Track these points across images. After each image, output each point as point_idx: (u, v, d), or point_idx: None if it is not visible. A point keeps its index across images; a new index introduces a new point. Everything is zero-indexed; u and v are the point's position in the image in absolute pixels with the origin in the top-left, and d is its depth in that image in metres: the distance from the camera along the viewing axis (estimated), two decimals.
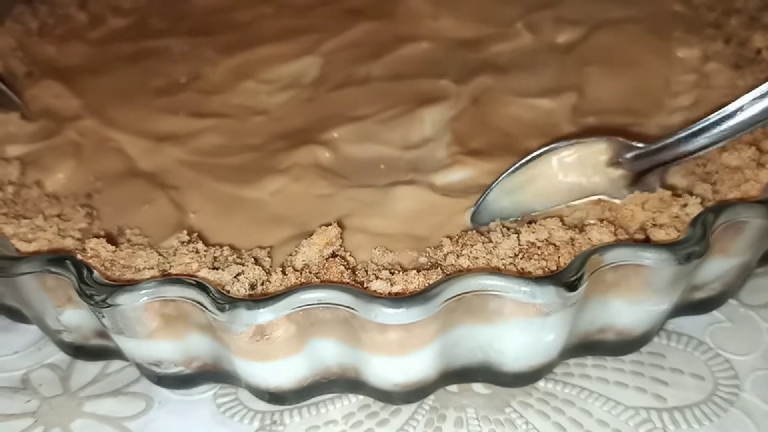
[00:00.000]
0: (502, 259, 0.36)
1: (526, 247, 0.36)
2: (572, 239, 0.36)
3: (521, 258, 0.36)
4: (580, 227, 0.38)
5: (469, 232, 0.39)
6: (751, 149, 0.41)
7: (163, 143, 0.51)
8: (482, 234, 0.39)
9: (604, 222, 0.38)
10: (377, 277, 0.35)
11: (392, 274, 0.35)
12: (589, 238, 0.36)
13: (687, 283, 0.38)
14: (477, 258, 0.36)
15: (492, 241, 0.37)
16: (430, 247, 0.39)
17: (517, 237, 0.37)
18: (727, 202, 0.37)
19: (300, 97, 0.56)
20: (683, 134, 0.39)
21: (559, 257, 0.35)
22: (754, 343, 0.41)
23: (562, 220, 0.38)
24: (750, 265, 0.41)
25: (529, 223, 0.38)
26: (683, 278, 0.36)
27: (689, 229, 0.34)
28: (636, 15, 0.60)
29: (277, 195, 0.46)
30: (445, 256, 0.37)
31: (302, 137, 0.50)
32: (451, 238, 0.38)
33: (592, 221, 0.39)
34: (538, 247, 0.36)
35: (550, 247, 0.36)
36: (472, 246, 0.37)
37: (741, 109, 0.37)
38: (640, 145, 0.41)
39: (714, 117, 0.38)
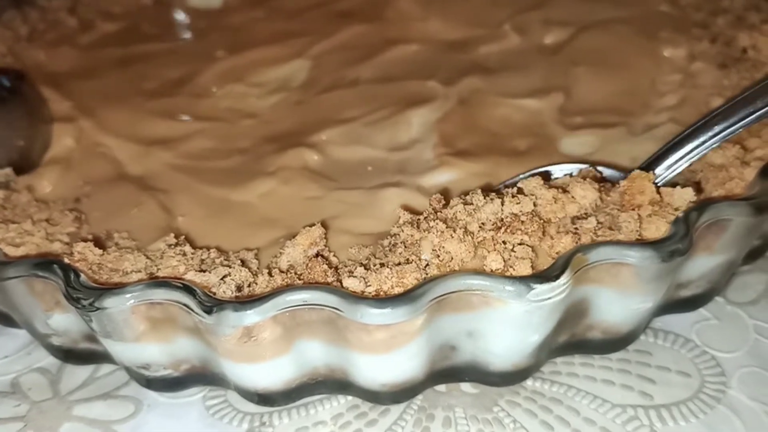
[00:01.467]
0: (483, 222, 0.36)
1: (510, 219, 0.36)
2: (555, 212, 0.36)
3: (504, 231, 0.35)
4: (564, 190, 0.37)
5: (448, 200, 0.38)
6: (735, 147, 0.41)
7: (153, 147, 0.51)
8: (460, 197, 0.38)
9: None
10: (351, 275, 0.35)
11: (367, 270, 0.35)
12: (574, 198, 0.36)
13: (672, 281, 0.38)
14: (455, 220, 0.36)
15: (473, 204, 0.37)
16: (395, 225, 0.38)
17: (501, 204, 0.36)
18: (712, 200, 0.37)
19: (289, 100, 0.56)
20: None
21: (543, 232, 0.35)
22: (740, 340, 0.41)
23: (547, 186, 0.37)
24: (735, 263, 0.41)
25: (512, 186, 0.38)
26: (668, 275, 0.36)
27: (672, 226, 0.34)
28: (623, 15, 0.60)
29: (266, 198, 0.46)
30: (402, 226, 0.37)
31: (291, 140, 0.51)
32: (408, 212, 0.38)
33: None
34: (522, 222, 0.35)
35: (535, 222, 0.35)
36: (451, 207, 0.37)
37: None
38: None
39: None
